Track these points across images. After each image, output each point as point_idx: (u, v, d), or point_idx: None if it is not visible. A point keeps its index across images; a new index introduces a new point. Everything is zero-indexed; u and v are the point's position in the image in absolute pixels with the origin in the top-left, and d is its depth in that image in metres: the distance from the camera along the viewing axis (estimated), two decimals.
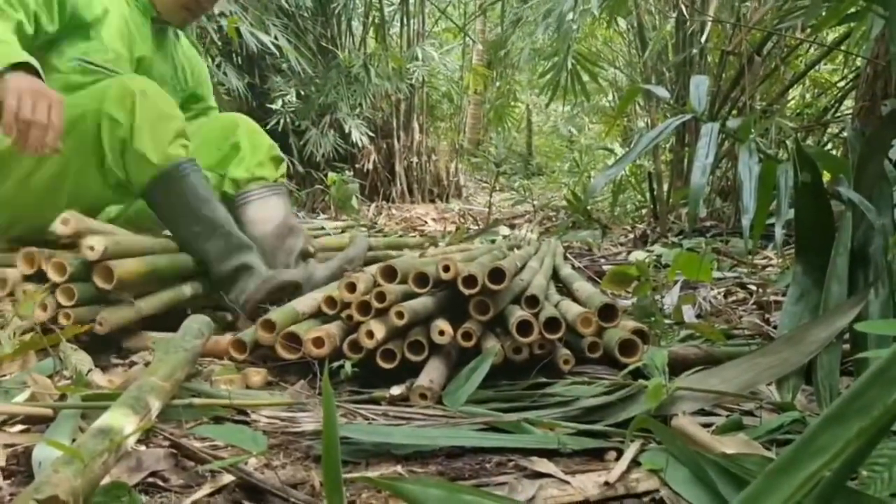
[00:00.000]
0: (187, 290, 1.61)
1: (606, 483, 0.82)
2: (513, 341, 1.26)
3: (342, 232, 2.91)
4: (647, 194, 3.96)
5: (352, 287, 1.36)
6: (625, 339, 1.26)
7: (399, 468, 0.89)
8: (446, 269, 1.33)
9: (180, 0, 1.79)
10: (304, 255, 1.85)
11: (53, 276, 1.37)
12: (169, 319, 1.46)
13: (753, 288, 2.04)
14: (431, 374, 1.17)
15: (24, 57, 1.40)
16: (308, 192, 4.91)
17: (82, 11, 1.65)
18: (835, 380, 1.06)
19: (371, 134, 5.34)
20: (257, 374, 1.25)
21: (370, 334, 1.25)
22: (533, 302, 1.32)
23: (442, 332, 1.24)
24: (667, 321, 1.56)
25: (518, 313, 1.28)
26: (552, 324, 1.28)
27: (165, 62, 1.89)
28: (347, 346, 1.28)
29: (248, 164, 1.85)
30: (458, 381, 1.16)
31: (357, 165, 5.45)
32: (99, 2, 1.68)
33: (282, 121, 4.71)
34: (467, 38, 7.00)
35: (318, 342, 1.28)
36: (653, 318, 1.49)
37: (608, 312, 1.33)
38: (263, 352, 1.38)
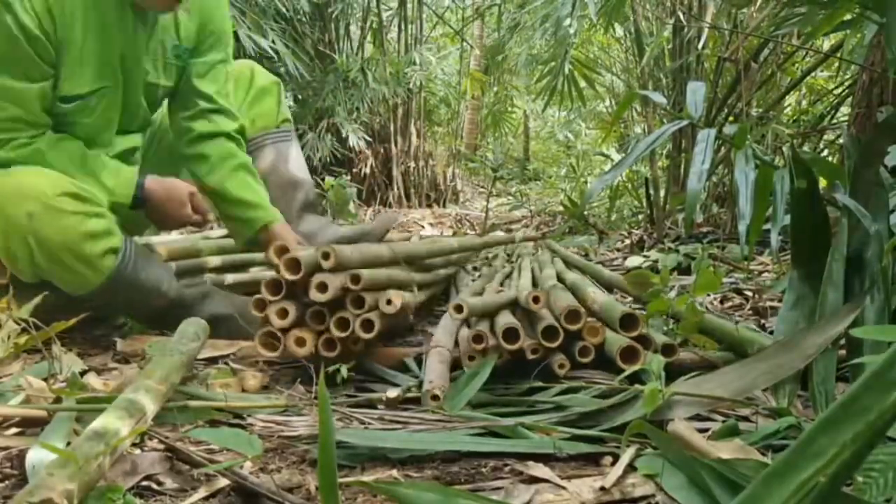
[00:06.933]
0: None
1: (602, 488, 0.82)
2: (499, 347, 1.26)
3: None
4: (644, 200, 3.96)
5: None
6: (626, 346, 1.24)
7: (395, 472, 0.89)
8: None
9: None
10: (307, 207, 1.85)
11: None
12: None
13: (749, 293, 2.04)
14: (431, 376, 1.16)
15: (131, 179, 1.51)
16: None
17: (63, 43, 1.41)
18: (830, 385, 1.06)
19: (368, 138, 5.34)
20: (253, 378, 1.25)
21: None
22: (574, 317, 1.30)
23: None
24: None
25: (504, 320, 1.27)
26: (550, 331, 1.26)
27: (153, 41, 1.57)
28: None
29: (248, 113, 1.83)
30: (457, 385, 1.16)
31: (354, 170, 5.45)
32: (75, 18, 1.41)
33: None
34: (465, 44, 7.01)
35: (300, 341, 1.27)
36: (674, 330, 1.42)
37: (629, 322, 1.30)
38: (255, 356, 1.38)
